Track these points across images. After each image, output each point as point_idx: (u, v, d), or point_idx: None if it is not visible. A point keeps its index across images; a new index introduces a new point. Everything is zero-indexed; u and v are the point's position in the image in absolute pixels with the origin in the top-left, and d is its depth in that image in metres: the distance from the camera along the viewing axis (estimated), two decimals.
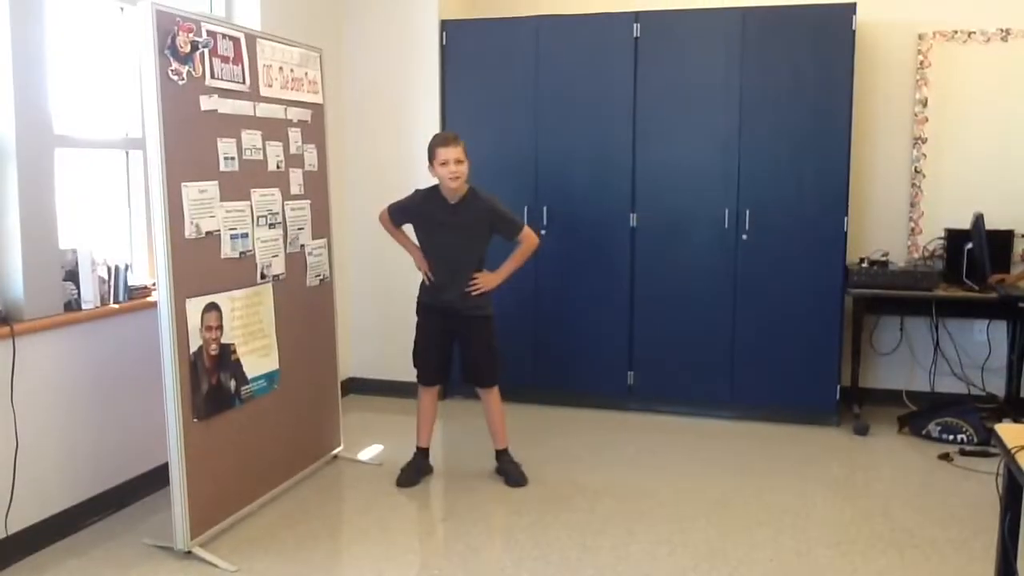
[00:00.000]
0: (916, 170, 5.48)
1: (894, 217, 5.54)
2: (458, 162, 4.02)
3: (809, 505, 4.04)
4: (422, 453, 4.34)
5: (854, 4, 4.91)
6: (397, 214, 4.28)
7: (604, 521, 3.83)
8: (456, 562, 3.47)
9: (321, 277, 4.40)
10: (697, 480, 4.35)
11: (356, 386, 5.81)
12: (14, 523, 3.37)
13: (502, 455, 4.36)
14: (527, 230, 4.24)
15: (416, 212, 4.23)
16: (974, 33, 5.32)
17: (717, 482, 4.32)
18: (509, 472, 4.29)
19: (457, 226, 4.14)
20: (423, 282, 4.28)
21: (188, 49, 3.43)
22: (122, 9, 4.12)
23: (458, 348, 4.30)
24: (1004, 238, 5.21)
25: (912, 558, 3.47)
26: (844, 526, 3.81)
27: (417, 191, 4.27)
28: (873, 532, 3.73)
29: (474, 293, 4.16)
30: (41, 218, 3.53)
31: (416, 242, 4.30)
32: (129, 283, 3.93)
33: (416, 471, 4.29)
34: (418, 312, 4.32)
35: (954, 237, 5.21)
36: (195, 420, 3.46)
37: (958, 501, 4.05)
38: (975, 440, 4.75)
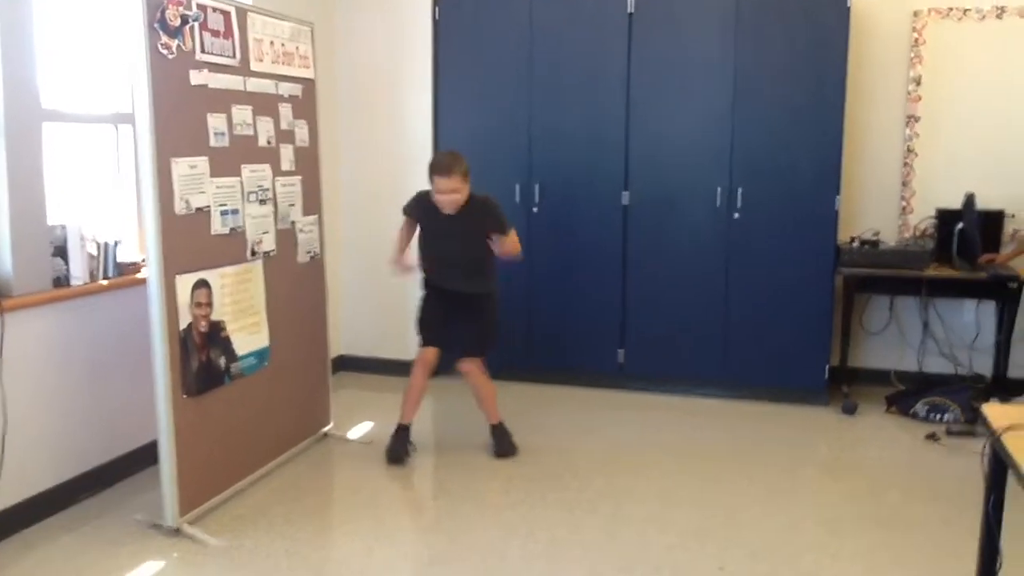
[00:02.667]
0: (908, 149, 5.47)
1: (886, 196, 5.53)
2: (453, 191, 4.05)
3: (797, 484, 4.07)
4: (404, 430, 4.32)
5: None
6: (412, 209, 4.32)
7: (593, 499, 3.85)
8: (445, 539, 3.49)
9: (312, 254, 4.39)
10: (686, 459, 4.37)
11: (346, 364, 5.81)
12: (4, 499, 3.37)
13: (495, 429, 4.39)
14: (514, 236, 4.24)
15: (419, 213, 4.28)
16: (969, 11, 5.29)
17: (706, 460, 4.34)
18: (497, 442, 4.35)
19: (455, 232, 4.18)
20: (421, 262, 4.35)
21: (178, 22, 3.39)
22: None
23: (457, 321, 4.31)
24: (995, 218, 5.22)
25: (898, 536, 3.50)
26: (831, 504, 3.84)
27: (419, 194, 4.28)
28: (860, 510, 3.76)
29: (495, 237, 4.21)
30: (29, 193, 3.50)
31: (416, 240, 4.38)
32: (119, 259, 3.91)
33: (401, 448, 4.28)
34: (425, 289, 4.40)
35: (945, 217, 5.20)
36: (185, 397, 3.45)
37: (944, 480, 4.08)
38: (962, 420, 4.78)
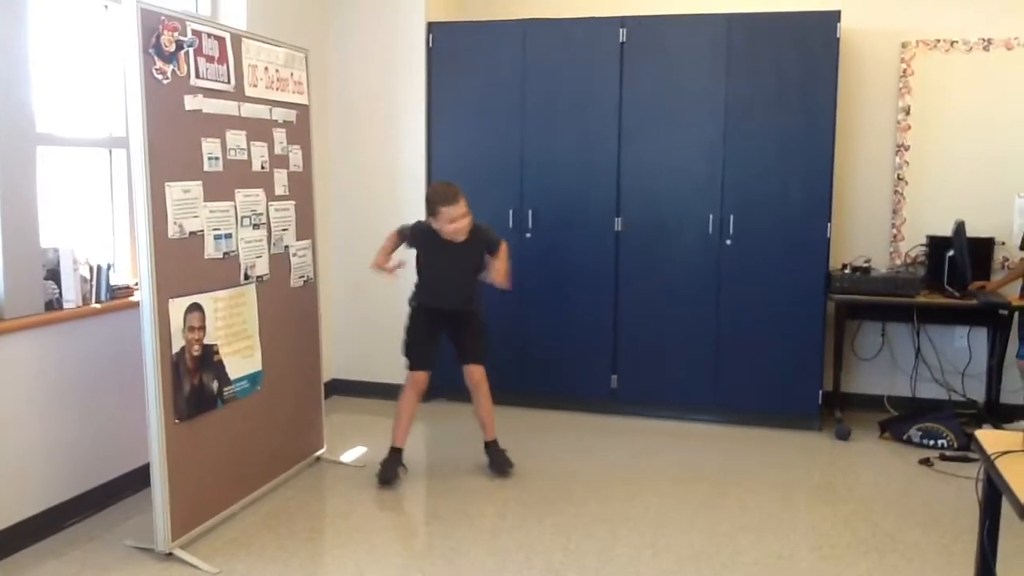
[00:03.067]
0: (899, 177, 5.52)
1: (877, 223, 5.58)
2: (464, 216, 4.12)
3: (791, 509, 4.05)
4: (397, 453, 4.34)
5: (838, 12, 4.95)
6: (409, 235, 4.35)
7: (588, 524, 3.83)
8: (439, 564, 3.46)
9: (305, 278, 4.39)
10: (680, 484, 4.35)
11: (339, 387, 5.79)
12: None
13: (490, 446, 4.44)
14: (505, 248, 4.37)
15: (418, 242, 4.32)
16: (956, 42, 5.37)
17: (700, 486, 4.33)
18: (493, 461, 4.41)
19: (457, 256, 4.24)
20: (418, 285, 4.37)
21: (173, 48, 3.41)
22: (106, 7, 4.10)
23: (449, 338, 4.41)
24: (985, 245, 5.26)
25: (893, 562, 3.49)
26: (826, 530, 3.83)
27: (418, 223, 4.33)
28: (854, 536, 3.75)
29: (497, 281, 4.29)
30: (22, 216, 3.50)
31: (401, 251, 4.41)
32: (111, 283, 3.91)
33: (394, 468, 4.29)
34: (413, 309, 4.39)
35: (936, 244, 5.24)
36: (177, 421, 3.43)
37: (938, 506, 4.08)
38: (955, 445, 4.79)
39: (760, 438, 5.09)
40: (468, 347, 4.41)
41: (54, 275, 3.67)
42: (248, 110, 3.92)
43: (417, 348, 4.37)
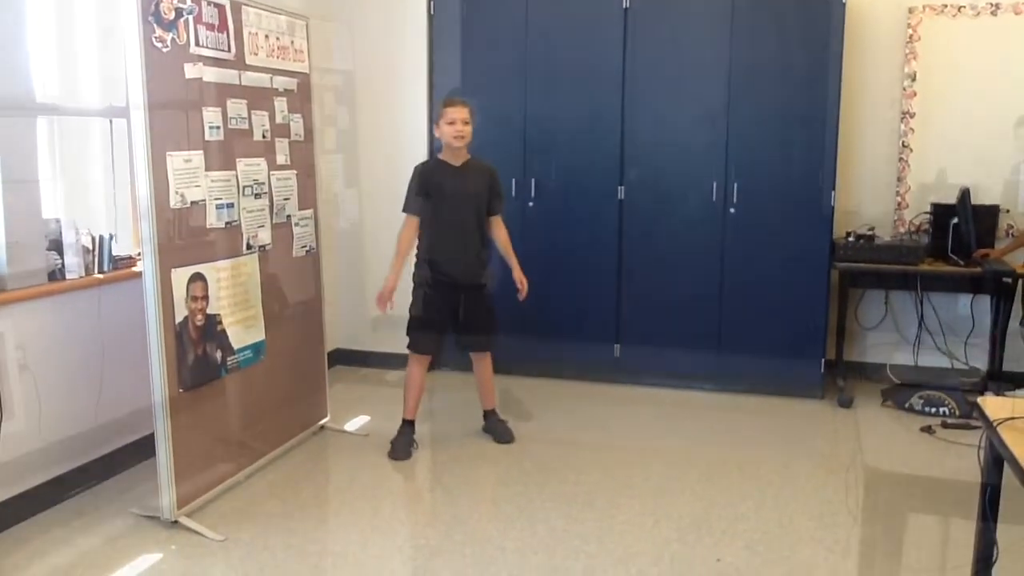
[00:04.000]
0: (904, 144, 5.48)
1: (881, 191, 5.55)
2: (464, 123, 4.12)
3: (792, 477, 4.07)
4: (409, 426, 4.34)
5: None
6: (415, 202, 4.21)
7: (589, 492, 3.85)
8: (442, 531, 3.49)
9: (307, 248, 4.38)
10: (682, 452, 4.38)
11: (342, 358, 5.81)
12: None
13: (490, 415, 4.49)
14: (501, 218, 4.39)
15: (426, 186, 4.20)
16: (964, 7, 5.30)
17: (702, 454, 4.35)
18: (497, 430, 4.43)
19: (464, 193, 4.21)
20: (422, 257, 4.26)
21: (172, 16, 3.38)
22: None
23: (462, 313, 4.32)
24: (990, 213, 5.23)
25: (893, 529, 3.52)
26: (826, 498, 3.84)
27: (417, 167, 4.29)
28: (856, 504, 3.77)
29: (522, 299, 4.39)
30: (23, 187, 3.50)
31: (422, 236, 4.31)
32: (113, 253, 3.91)
33: (407, 444, 4.27)
34: (418, 285, 4.30)
35: (940, 212, 5.21)
36: (181, 390, 3.45)
37: (940, 473, 4.10)
38: (957, 413, 4.80)
39: (762, 406, 5.11)
40: (475, 333, 4.37)
41: (56, 246, 3.67)
42: (249, 79, 3.90)
43: (422, 332, 4.31)
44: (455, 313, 4.31)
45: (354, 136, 5.69)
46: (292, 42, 4.24)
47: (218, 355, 3.67)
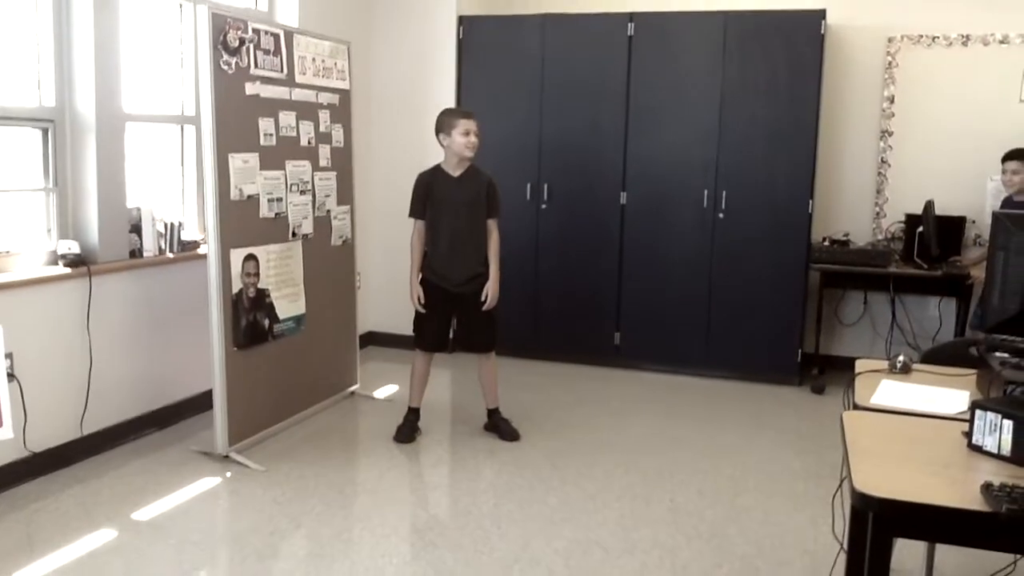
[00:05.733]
0: (883, 160, 6.08)
1: (861, 202, 6.16)
2: (476, 134, 4.43)
3: (752, 443, 4.71)
4: (414, 413, 4.68)
5: (823, 11, 5.52)
6: (420, 207, 4.52)
7: (575, 447, 4.53)
8: (445, 472, 4.23)
9: (344, 238, 5.12)
10: (661, 422, 5.03)
11: (375, 339, 6.54)
12: (87, 426, 4.15)
13: (493, 413, 4.75)
14: (497, 223, 4.59)
15: (428, 192, 4.50)
16: (938, 38, 5.90)
17: (678, 424, 5.00)
18: (502, 429, 4.68)
19: (461, 201, 4.47)
20: (427, 259, 4.55)
21: (237, 44, 4.15)
22: (180, 5, 4.86)
23: (458, 319, 4.66)
24: (957, 223, 5.80)
25: (828, 485, 4.08)
26: (778, 460, 4.47)
27: (420, 175, 4.59)
28: (802, 466, 4.39)
29: (486, 308, 4.52)
30: (113, 180, 4.29)
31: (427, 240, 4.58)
32: (182, 237, 4.68)
33: (411, 429, 4.62)
34: (422, 287, 4.55)
35: (911, 221, 5.79)
36: (235, 349, 4.21)
37: None
38: None
39: (743, 390, 5.74)
40: (476, 336, 4.62)
41: (136, 229, 4.46)
42: (298, 94, 4.65)
43: (427, 331, 4.60)
44: (455, 315, 4.62)
45: (388, 144, 6.41)
46: (335, 63, 4.99)
47: (266, 322, 4.42)
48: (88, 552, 3.30)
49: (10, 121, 3.95)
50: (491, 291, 4.54)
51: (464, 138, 4.42)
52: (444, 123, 4.47)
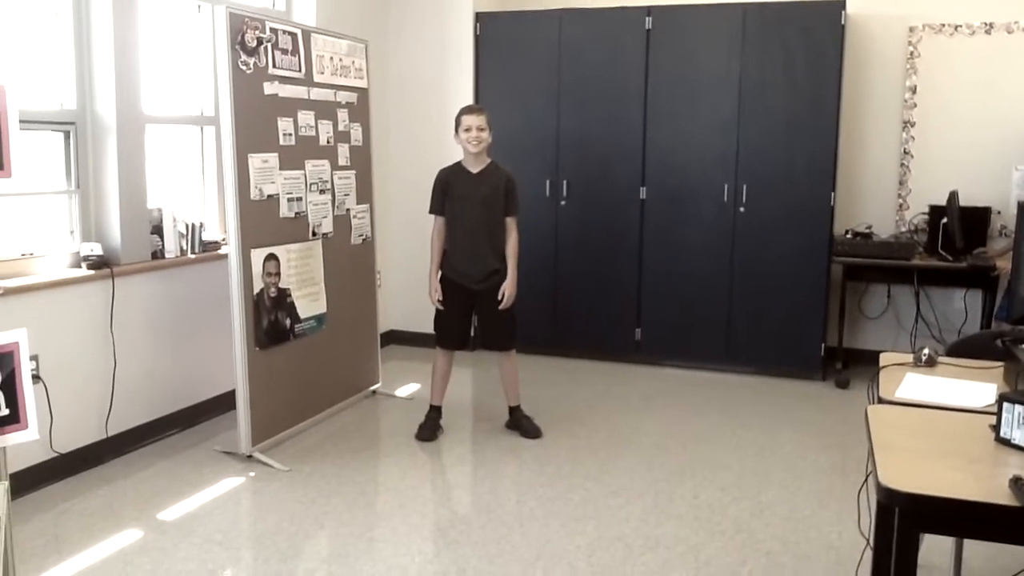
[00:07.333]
0: (905, 151, 6.02)
1: (883, 194, 6.10)
2: (480, 129, 4.39)
3: (776, 439, 4.68)
4: (436, 411, 4.70)
5: (843, 1, 5.47)
6: (438, 203, 4.54)
7: (595, 444, 4.52)
8: (467, 470, 4.24)
9: (364, 237, 5.13)
10: (682, 418, 5.01)
11: (396, 337, 6.56)
12: (112, 427, 4.18)
13: (515, 411, 4.73)
14: (516, 221, 4.57)
15: (446, 188, 4.52)
16: (960, 27, 5.83)
17: (700, 420, 4.97)
18: (524, 426, 4.67)
19: (479, 197, 4.46)
20: (447, 257, 4.56)
21: (255, 44, 4.16)
22: (199, 7, 4.87)
23: (478, 317, 4.70)
24: (982, 214, 5.73)
25: (854, 480, 4.08)
26: (803, 455, 4.44)
27: (440, 171, 4.60)
28: (828, 461, 4.36)
29: (503, 307, 4.51)
30: (134, 182, 4.32)
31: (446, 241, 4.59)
32: (203, 238, 4.70)
33: (433, 427, 4.64)
34: (442, 284, 4.57)
35: (935, 212, 5.73)
36: (257, 349, 4.22)
37: None
38: None
39: (765, 385, 5.70)
40: (495, 334, 4.63)
41: (158, 230, 4.48)
42: (316, 94, 4.66)
43: (445, 327, 4.62)
44: (475, 312, 4.66)
45: (407, 142, 6.42)
46: (353, 62, 5.00)
47: (287, 322, 4.44)
48: (114, 552, 3.32)
49: (32, 124, 3.98)
50: (508, 290, 4.53)
51: (466, 134, 4.43)
52: (456, 121, 4.50)
